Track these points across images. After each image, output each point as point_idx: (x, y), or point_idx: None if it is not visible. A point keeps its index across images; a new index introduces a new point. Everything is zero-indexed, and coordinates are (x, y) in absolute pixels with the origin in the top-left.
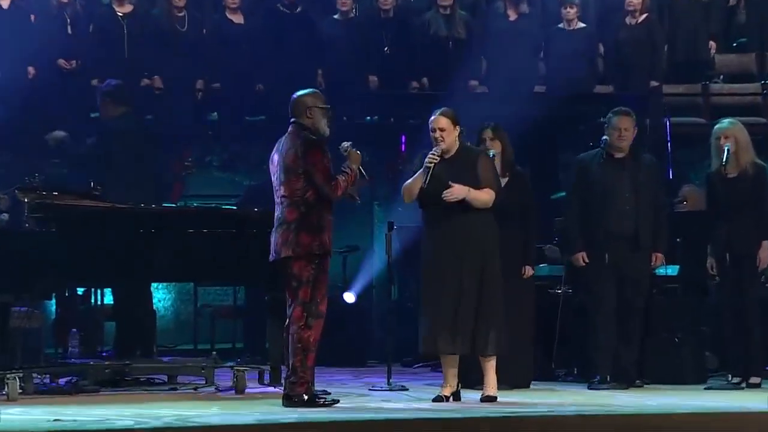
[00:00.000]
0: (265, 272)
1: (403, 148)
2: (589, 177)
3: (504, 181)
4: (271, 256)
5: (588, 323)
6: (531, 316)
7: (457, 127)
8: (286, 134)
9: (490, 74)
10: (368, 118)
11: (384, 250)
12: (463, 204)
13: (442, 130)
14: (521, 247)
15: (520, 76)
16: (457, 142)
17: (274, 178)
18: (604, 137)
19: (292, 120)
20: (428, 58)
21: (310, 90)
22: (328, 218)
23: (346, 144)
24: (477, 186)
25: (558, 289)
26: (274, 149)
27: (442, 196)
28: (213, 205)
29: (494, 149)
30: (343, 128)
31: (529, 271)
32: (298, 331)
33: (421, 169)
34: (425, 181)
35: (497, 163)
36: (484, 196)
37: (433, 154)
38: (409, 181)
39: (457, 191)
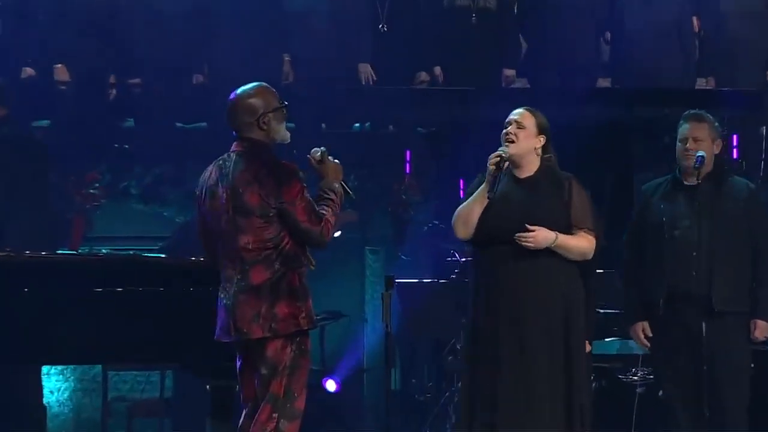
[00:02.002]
0: (207, 350)
1: (407, 169)
2: (649, 214)
3: None
4: (220, 334)
5: (670, 424)
6: (586, 411)
7: (541, 138)
8: (232, 156)
9: (531, 61)
10: (357, 125)
11: (380, 317)
12: (544, 249)
13: (520, 127)
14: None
15: (576, 64)
16: (538, 160)
17: (211, 221)
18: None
19: (239, 134)
20: (442, 38)
21: (255, 86)
22: (304, 275)
23: (318, 150)
24: (566, 224)
25: (633, 375)
26: (209, 177)
27: (516, 237)
28: (130, 251)
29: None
30: (321, 140)
31: (585, 345)
32: None
33: (483, 184)
34: (492, 190)
35: None
36: (582, 244)
37: (499, 157)
38: (464, 204)
39: (541, 237)
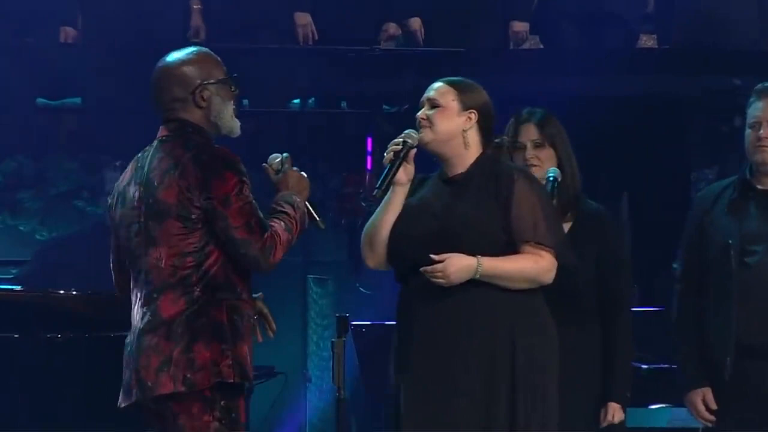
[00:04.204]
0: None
1: (368, 163)
2: (710, 232)
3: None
4: (121, 396)
5: None
6: None
7: (471, 114)
8: (155, 144)
9: (545, 13)
10: (295, 101)
11: (329, 375)
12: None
13: (435, 106)
14: (600, 368)
15: (610, 15)
16: (474, 149)
17: (122, 234)
18: None
19: (166, 116)
20: None
21: (192, 51)
22: (248, 309)
23: (277, 156)
24: (505, 243)
25: None
26: (123, 178)
27: (421, 270)
28: None
29: (548, 166)
30: (243, 121)
31: (616, 412)
32: None
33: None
34: (379, 188)
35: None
36: (526, 266)
37: (401, 144)
38: (373, 218)
39: (453, 268)
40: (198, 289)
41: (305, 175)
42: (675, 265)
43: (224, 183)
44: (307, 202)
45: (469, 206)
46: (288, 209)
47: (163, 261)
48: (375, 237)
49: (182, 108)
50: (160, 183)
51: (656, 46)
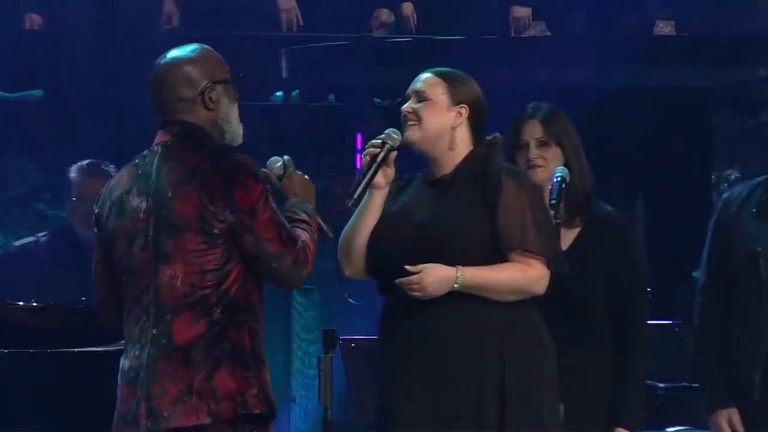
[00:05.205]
0: None
1: (357, 162)
2: (736, 239)
3: (570, 238)
4: (120, 425)
5: None
6: None
7: (461, 110)
8: (156, 149)
9: None
10: (278, 93)
11: (315, 394)
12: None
13: (422, 99)
14: (608, 391)
15: (621, 2)
16: (463, 147)
17: (120, 248)
18: None
19: (165, 119)
20: None
21: (195, 48)
22: (261, 333)
23: (278, 160)
24: (493, 251)
25: None
26: (117, 185)
27: (396, 282)
28: None
29: (554, 167)
30: None
31: None
32: None
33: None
34: (351, 194)
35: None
36: (514, 276)
37: (379, 147)
38: (349, 223)
39: (431, 279)
40: (218, 311)
41: (308, 178)
42: (695, 274)
43: (249, 193)
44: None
45: (455, 211)
46: (303, 216)
47: (179, 279)
48: (352, 244)
49: (187, 109)
50: (175, 194)
51: (674, 33)
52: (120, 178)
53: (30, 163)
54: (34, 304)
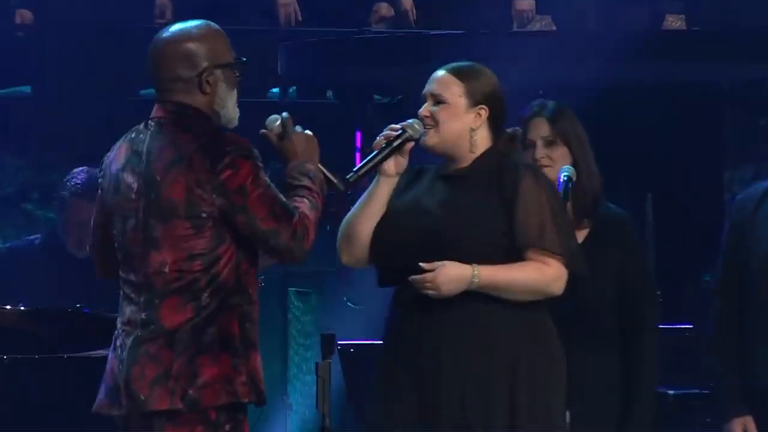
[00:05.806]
0: None
1: (357, 159)
2: (751, 241)
3: (577, 240)
4: (100, 402)
5: None
6: None
7: (481, 111)
8: (151, 125)
9: None
10: (274, 90)
11: (313, 400)
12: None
13: (439, 101)
14: (617, 399)
15: None
16: (482, 144)
17: (116, 223)
18: None
19: (161, 96)
20: None
21: (199, 24)
22: (255, 316)
23: (276, 119)
24: (508, 249)
25: None
26: (115, 158)
27: (410, 279)
28: None
29: (561, 165)
30: None
31: None
32: None
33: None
34: (356, 171)
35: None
36: (531, 276)
37: (398, 133)
38: (353, 209)
39: (445, 278)
40: (206, 295)
41: (311, 133)
42: (707, 277)
43: (237, 173)
44: (320, 165)
45: (469, 206)
46: (306, 182)
47: (168, 266)
48: (354, 230)
49: (183, 90)
50: (164, 178)
51: (685, 28)
52: (118, 153)
53: (18, 161)
54: (22, 308)
